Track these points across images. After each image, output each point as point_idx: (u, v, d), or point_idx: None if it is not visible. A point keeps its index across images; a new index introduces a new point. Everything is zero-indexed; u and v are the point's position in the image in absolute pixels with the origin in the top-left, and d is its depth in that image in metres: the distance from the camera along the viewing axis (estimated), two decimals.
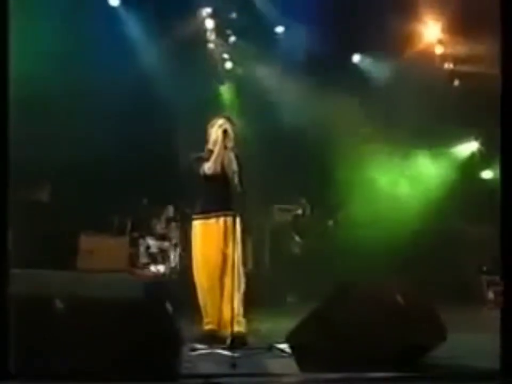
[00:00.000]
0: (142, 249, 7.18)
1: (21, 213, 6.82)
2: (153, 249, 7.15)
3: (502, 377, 2.71)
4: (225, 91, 9.28)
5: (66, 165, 7.40)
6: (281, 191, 8.38)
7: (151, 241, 7.22)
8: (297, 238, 8.02)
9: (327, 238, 8.10)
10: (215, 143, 4.32)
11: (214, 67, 9.03)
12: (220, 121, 4.38)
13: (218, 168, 4.24)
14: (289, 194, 8.48)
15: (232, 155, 4.26)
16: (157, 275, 6.89)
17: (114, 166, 7.69)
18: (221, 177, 4.22)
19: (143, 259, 7.12)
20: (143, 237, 7.26)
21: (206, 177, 4.25)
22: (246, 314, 4.23)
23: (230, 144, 4.28)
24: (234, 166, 4.17)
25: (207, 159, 4.27)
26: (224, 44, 8.88)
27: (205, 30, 8.65)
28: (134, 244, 7.24)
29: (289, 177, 8.36)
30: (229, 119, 4.42)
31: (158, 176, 7.64)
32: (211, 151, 4.32)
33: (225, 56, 9.02)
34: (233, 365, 3.18)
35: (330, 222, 8.32)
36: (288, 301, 7.10)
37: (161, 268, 6.99)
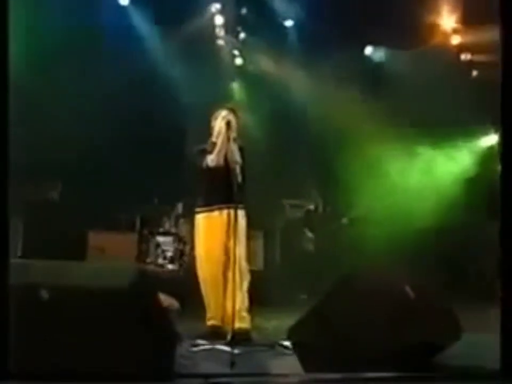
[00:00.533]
0: (151, 246, 7.13)
1: (32, 211, 6.95)
2: (163, 247, 7.09)
3: (502, 377, 2.64)
4: (236, 87, 9.22)
5: (77, 163, 7.42)
6: (293, 186, 8.28)
7: (161, 238, 7.17)
8: (309, 234, 7.90)
9: (340, 234, 7.96)
10: (218, 135, 4.23)
11: (225, 63, 8.97)
12: (223, 112, 4.29)
13: (221, 161, 4.16)
14: (301, 190, 8.38)
15: (235, 147, 4.17)
16: (166, 272, 6.82)
17: (124, 163, 7.67)
18: (224, 170, 4.13)
19: (152, 256, 7.07)
20: (152, 234, 7.21)
21: (209, 169, 4.18)
22: (256, 310, 4.14)
23: (233, 135, 4.20)
24: (238, 158, 4.08)
25: (210, 152, 4.20)
26: (234, 40, 8.81)
27: (214, 26, 8.59)
28: (143, 241, 7.19)
29: (301, 172, 8.27)
30: (232, 110, 4.33)
31: (169, 174, 7.59)
32: (214, 144, 4.24)
33: (235, 52, 8.96)
34: (232, 362, 3.08)
35: (343, 218, 8.18)
36: (300, 298, 6.97)
37: (170, 265, 6.93)
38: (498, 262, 2.73)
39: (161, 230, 7.25)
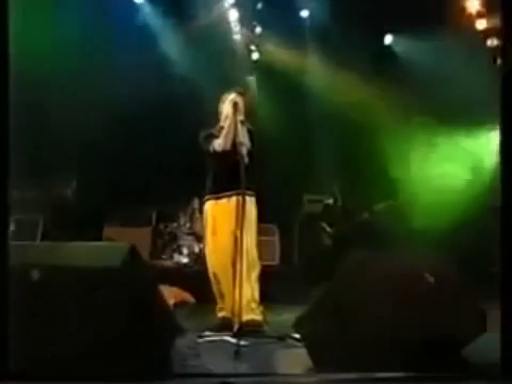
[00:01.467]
0: (166, 241, 7.03)
1: (50, 206, 6.96)
2: (178, 241, 6.99)
3: (502, 377, 2.52)
4: (254, 81, 9.09)
5: (93, 158, 7.41)
6: (312, 180, 8.12)
7: (176, 233, 7.06)
8: (328, 229, 7.70)
9: (359, 228, 7.74)
10: (226, 118, 4.06)
11: (241, 58, 8.85)
12: (231, 96, 4.12)
13: (229, 145, 3.96)
14: (320, 184, 8.20)
15: (243, 129, 3.97)
16: (182, 266, 6.71)
17: (141, 159, 7.62)
18: (232, 154, 3.91)
19: (168, 251, 6.97)
20: (167, 228, 7.11)
21: (217, 154, 3.99)
22: (271, 305, 3.96)
23: (241, 117, 4.00)
24: (245, 140, 3.88)
25: (217, 136, 4.02)
26: (250, 34, 8.68)
27: (229, 21, 8.47)
28: (158, 234, 7.11)
29: (320, 167, 8.08)
30: (240, 93, 4.15)
31: (185, 169, 7.50)
32: (222, 127, 4.06)
33: (252, 47, 8.82)
34: (236, 352, 2.91)
35: (363, 212, 7.95)
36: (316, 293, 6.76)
37: (185, 259, 6.81)
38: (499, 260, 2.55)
39: (175, 225, 7.14)
